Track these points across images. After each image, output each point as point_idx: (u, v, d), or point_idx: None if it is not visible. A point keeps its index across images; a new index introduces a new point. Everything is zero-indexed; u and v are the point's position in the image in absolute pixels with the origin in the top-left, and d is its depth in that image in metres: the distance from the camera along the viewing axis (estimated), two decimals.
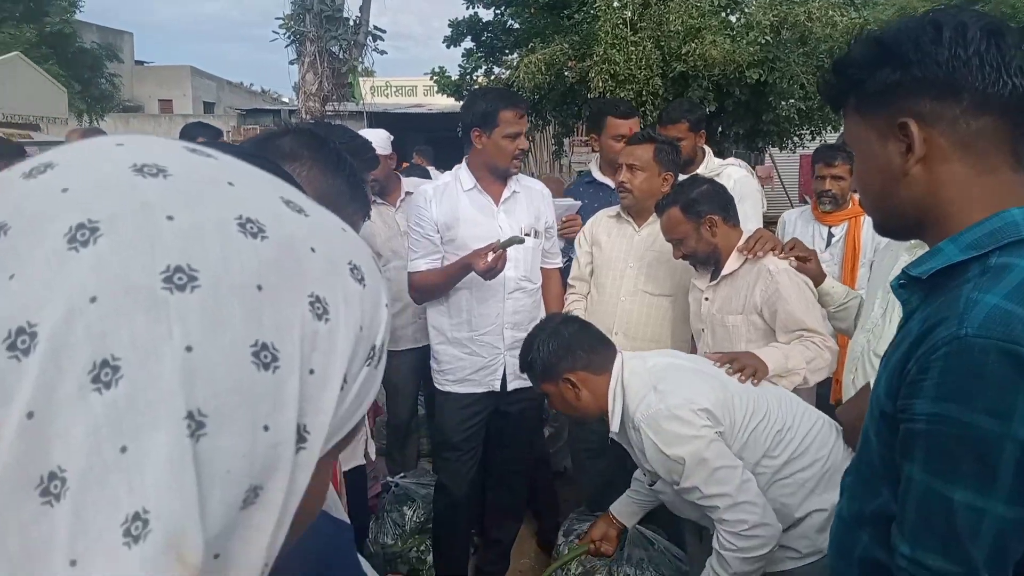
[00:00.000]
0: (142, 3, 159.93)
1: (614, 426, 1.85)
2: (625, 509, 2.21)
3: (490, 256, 2.36)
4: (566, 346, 1.92)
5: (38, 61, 12.25)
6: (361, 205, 1.24)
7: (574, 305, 2.77)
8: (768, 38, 6.61)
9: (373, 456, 2.41)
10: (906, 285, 0.98)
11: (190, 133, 4.05)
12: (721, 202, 2.30)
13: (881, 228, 1.06)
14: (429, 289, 2.63)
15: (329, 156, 1.18)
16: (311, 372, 0.36)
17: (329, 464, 0.43)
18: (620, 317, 2.61)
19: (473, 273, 2.46)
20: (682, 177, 2.63)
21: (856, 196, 3.18)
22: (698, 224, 2.26)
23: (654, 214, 2.62)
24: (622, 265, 2.65)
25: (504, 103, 2.51)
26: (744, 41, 6.67)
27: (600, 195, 3.22)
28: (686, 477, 1.71)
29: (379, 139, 3.33)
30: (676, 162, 2.63)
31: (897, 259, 1.93)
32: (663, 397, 1.76)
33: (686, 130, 3.21)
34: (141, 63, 25.74)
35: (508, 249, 2.53)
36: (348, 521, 0.74)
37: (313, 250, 0.38)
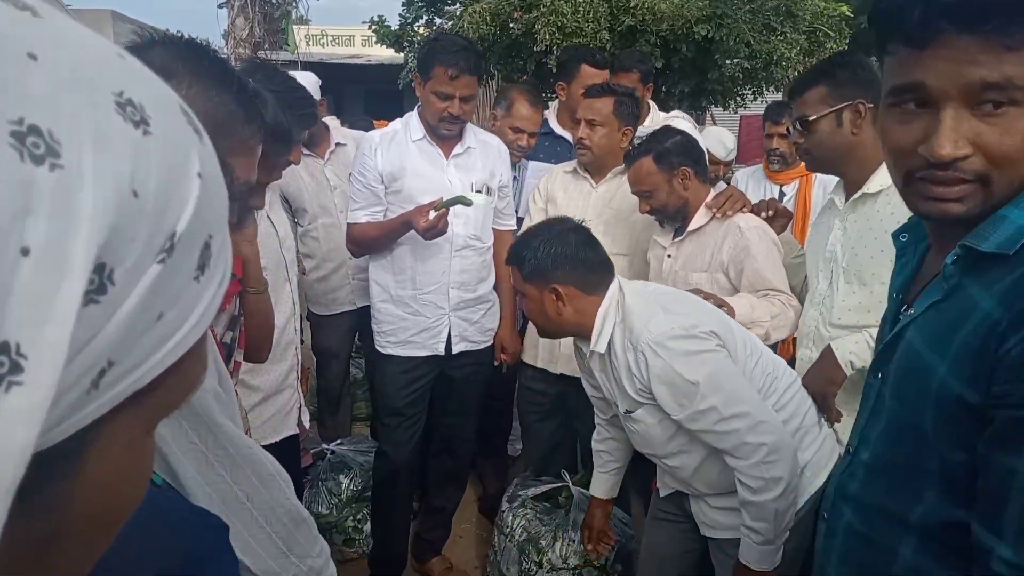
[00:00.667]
0: None
1: (600, 346, 1.74)
2: (604, 486, 2.14)
3: (432, 215, 2.19)
4: (567, 256, 1.76)
5: None
6: (257, 127, 1.06)
7: None
8: None
9: (307, 425, 2.25)
10: (959, 260, 0.85)
11: None
12: (694, 155, 2.21)
13: (997, 207, 0.84)
14: (367, 243, 2.46)
15: (212, 69, 0.99)
16: (24, 252, 0.22)
17: (141, 431, 0.30)
18: None
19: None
20: None
21: None
22: (671, 176, 2.17)
23: (612, 171, 2.50)
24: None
25: (441, 56, 2.29)
26: None
27: (557, 150, 3.07)
28: (702, 398, 1.59)
29: (308, 83, 3.08)
30: (635, 115, 2.51)
31: (831, 229, 1.87)
32: (674, 318, 1.65)
33: (637, 80, 3.10)
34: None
35: (452, 208, 2.37)
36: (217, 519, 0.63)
37: (33, 57, 0.24)
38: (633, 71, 3.13)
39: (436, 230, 2.21)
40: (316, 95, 3.10)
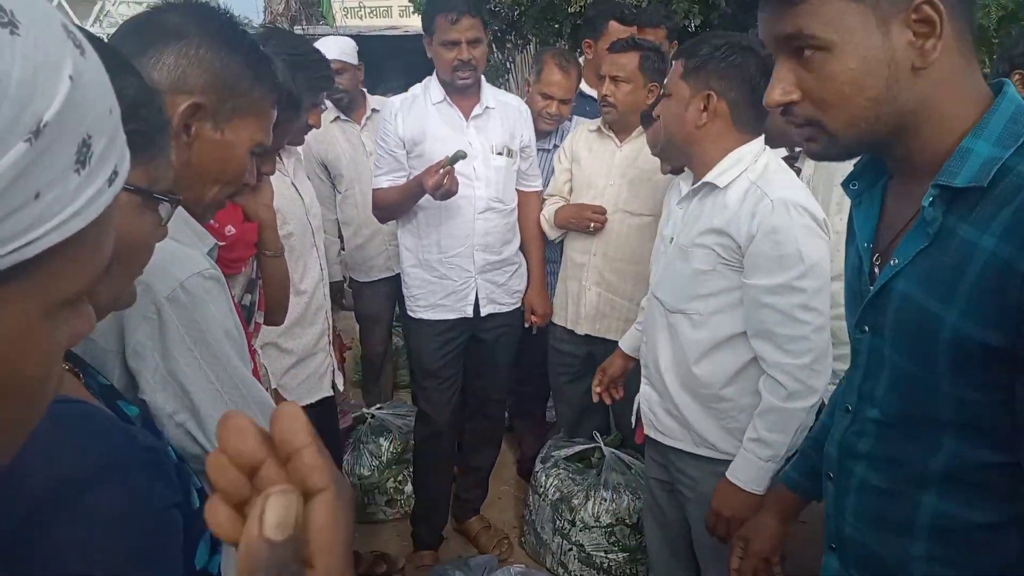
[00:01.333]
0: None
1: (722, 180, 1.62)
2: (634, 343, 2.06)
3: (439, 175, 2.20)
4: (744, 74, 1.60)
5: None
6: (269, 89, 1.08)
7: (558, 204, 2.63)
8: None
9: (341, 387, 2.32)
10: (936, 201, 0.84)
11: None
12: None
13: (852, 146, 0.90)
14: (389, 208, 2.49)
15: (222, 31, 1.01)
16: None
17: (36, 312, 0.35)
18: (600, 236, 2.49)
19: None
20: None
21: None
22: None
23: (638, 128, 2.45)
24: (603, 182, 2.50)
25: (437, 5, 2.30)
26: None
27: (587, 109, 3.03)
28: (801, 276, 1.52)
29: (345, 48, 3.12)
30: (662, 71, 2.44)
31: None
32: (814, 202, 1.60)
33: (663, 37, 3.02)
34: None
35: (478, 168, 2.38)
36: None
37: None
38: (660, 27, 3.06)
39: (444, 189, 2.21)
40: (353, 59, 3.13)
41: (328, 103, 3.19)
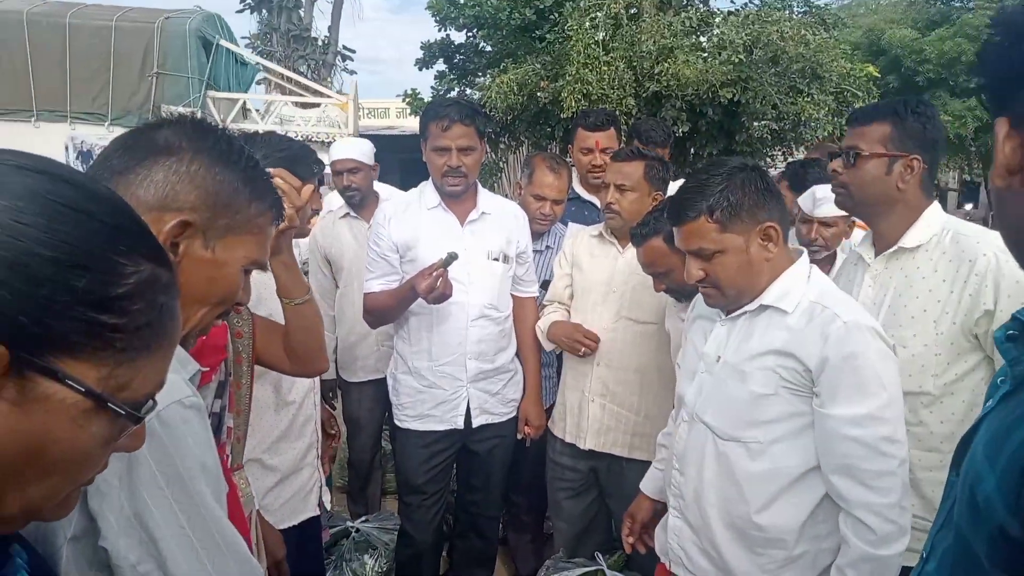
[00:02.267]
0: None
1: (787, 303, 1.51)
2: (657, 484, 1.93)
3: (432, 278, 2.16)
4: (767, 189, 1.54)
5: None
6: (268, 204, 1.03)
7: (554, 315, 2.56)
8: (741, 57, 6.56)
9: (328, 506, 2.18)
10: (1017, 337, 0.71)
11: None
12: None
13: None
14: (381, 312, 2.43)
15: (217, 146, 0.97)
16: None
17: None
18: (603, 346, 2.40)
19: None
20: None
21: None
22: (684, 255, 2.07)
23: None
24: (604, 289, 2.45)
25: (430, 113, 2.34)
26: (717, 60, 6.62)
27: (585, 214, 3.05)
28: (884, 406, 1.41)
29: (363, 148, 3.19)
30: (666, 180, 2.45)
31: (858, 285, 1.80)
32: (871, 318, 1.52)
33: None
34: None
35: (473, 273, 2.34)
36: None
37: None
38: (665, 147, 3.14)
39: (438, 292, 2.16)
40: (368, 161, 3.18)
41: (340, 200, 3.24)
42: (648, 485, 1.95)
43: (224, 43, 8.32)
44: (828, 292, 1.54)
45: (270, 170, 1.38)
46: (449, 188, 2.34)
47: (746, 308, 1.58)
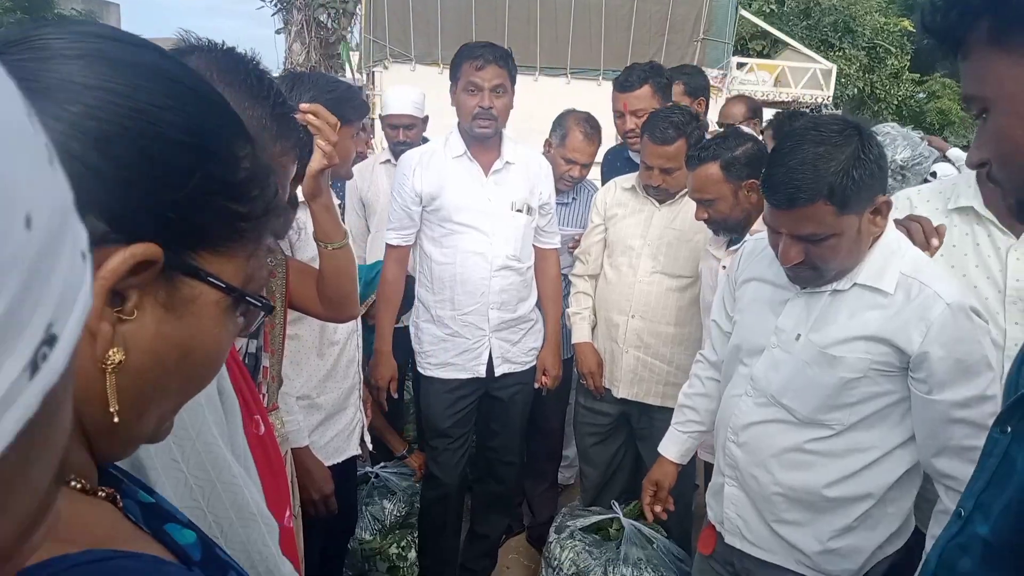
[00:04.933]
0: None
1: (887, 283, 1.40)
2: (679, 447, 1.88)
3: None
4: (884, 160, 1.38)
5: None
6: (293, 143, 1.01)
7: (579, 303, 2.55)
8: (773, 7, 6.38)
9: (370, 446, 2.22)
10: None
11: None
12: (763, 166, 2.07)
13: None
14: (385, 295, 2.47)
15: (245, 81, 0.95)
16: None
17: None
18: (637, 299, 2.40)
19: (457, 247, 2.33)
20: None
21: None
22: (737, 187, 2.02)
23: (682, 191, 2.35)
24: (639, 243, 2.41)
25: (465, 54, 2.28)
26: (750, 10, 6.45)
27: (617, 165, 2.96)
28: (990, 383, 1.35)
29: (416, 100, 3.14)
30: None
31: (998, 260, 1.58)
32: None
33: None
34: None
35: (496, 224, 2.34)
36: None
37: None
38: (679, 82, 2.97)
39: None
40: (420, 114, 3.15)
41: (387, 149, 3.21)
42: (672, 449, 1.90)
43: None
44: (921, 264, 1.42)
45: (304, 105, 1.35)
46: (478, 130, 2.29)
47: (836, 286, 1.45)
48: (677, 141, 2.27)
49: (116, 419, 0.46)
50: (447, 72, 2.38)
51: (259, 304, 0.55)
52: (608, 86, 2.89)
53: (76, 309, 0.27)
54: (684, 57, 7.56)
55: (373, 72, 5.12)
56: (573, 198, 2.86)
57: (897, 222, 1.51)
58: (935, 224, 1.51)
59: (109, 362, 0.45)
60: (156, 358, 0.47)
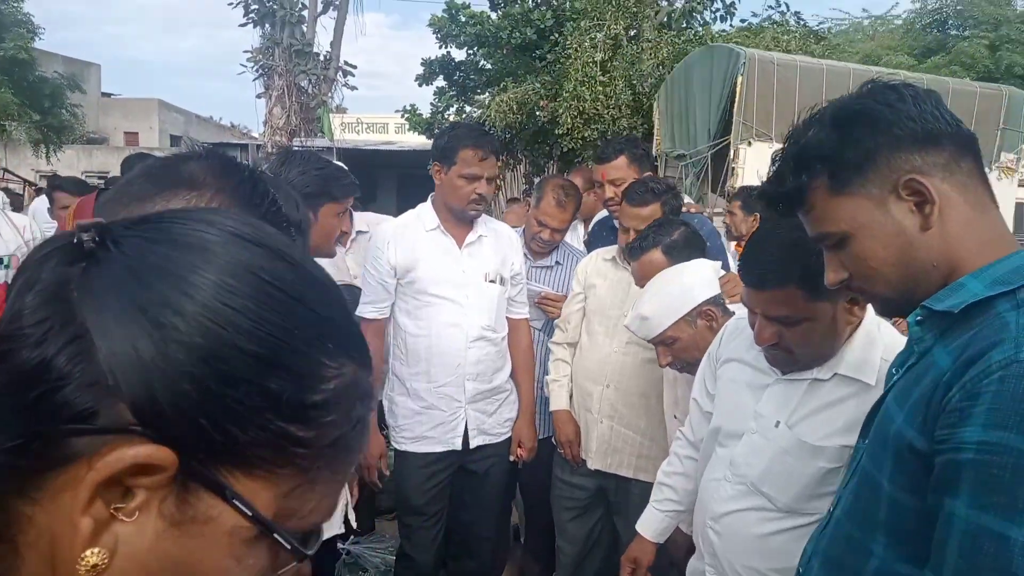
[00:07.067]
0: (116, 38, 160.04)
1: (867, 374, 1.38)
2: (656, 526, 1.85)
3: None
4: None
5: None
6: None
7: (558, 370, 2.55)
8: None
9: (354, 524, 2.16)
10: (923, 321, 0.96)
11: (131, 163, 3.84)
12: (701, 247, 2.10)
13: (901, 304, 0.99)
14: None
15: (241, 187, 0.96)
16: None
17: None
18: (612, 369, 2.40)
19: (432, 319, 2.33)
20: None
21: None
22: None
23: None
24: (616, 313, 2.42)
25: (466, 141, 2.32)
26: None
27: (604, 235, 2.99)
28: None
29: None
30: (678, 209, 2.42)
31: None
32: None
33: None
34: (108, 95, 25.26)
35: (472, 295, 2.35)
36: None
37: None
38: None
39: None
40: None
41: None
42: (649, 528, 1.87)
43: None
44: (899, 347, 1.36)
45: None
46: (472, 213, 2.38)
47: (816, 375, 1.43)
48: (652, 204, 2.34)
49: None
50: None
51: (288, 547, 0.46)
52: None
53: None
54: (987, 144, 8.06)
55: (739, 149, 5.50)
56: (557, 262, 2.85)
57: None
58: None
59: (83, 563, 0.39)
60: (144, 573, 0.41)
